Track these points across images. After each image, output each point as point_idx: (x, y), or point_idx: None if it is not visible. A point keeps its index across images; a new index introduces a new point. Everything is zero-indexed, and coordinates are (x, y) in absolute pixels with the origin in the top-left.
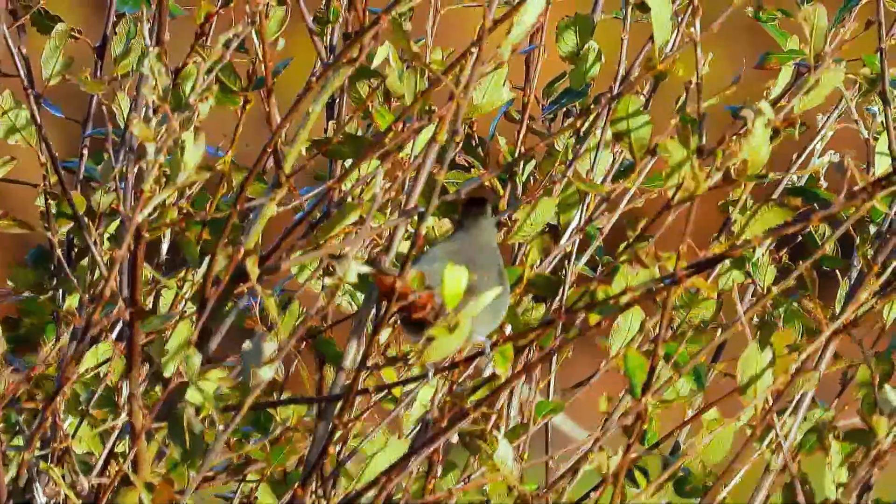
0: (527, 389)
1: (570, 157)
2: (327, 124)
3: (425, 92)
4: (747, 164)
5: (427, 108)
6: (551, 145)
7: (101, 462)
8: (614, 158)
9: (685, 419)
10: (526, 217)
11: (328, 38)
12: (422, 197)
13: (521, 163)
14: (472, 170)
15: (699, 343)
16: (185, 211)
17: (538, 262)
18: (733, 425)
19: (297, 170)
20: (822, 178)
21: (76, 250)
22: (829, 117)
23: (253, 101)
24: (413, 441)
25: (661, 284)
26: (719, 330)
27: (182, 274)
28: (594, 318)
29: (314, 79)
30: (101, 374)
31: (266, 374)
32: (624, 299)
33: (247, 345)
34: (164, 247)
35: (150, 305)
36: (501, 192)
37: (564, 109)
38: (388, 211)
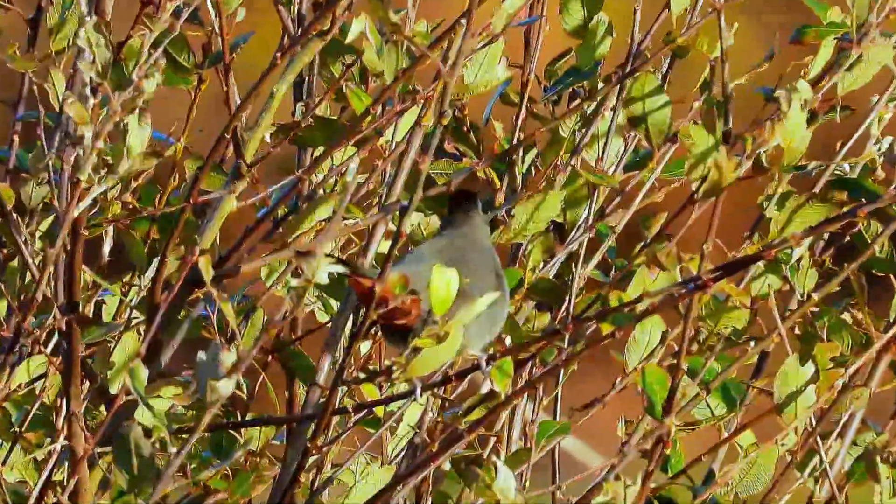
0: (530, 409)
1: (577, 144)
2: (295, 107)
3: (408, 70)
4: (782, 152)
5: (410, 88)
6: (555, 131)
7: (36, 492)
8: (626, 145)
9: (717, 443)
10: (528, 214)
11: (295, 7)
12: (405, 190)
13: (521, 151)
14: (464, 159)
15: (729, 357)
16: (130, 205)
17: (541, 264)
18: (774, 450)
19: (259, 158)
20: (878, 168)
21: (5, 251)
22: (880, 98)
23: (209, 81)
24: (398, 468)
25: (684, 290)
26: (752, 342)
27: (128, 278)
28: (606, 329)
29: (279, 55)
30: (36, 392)
31: (225, 388)
32: (641, 307)
33: (202, 356)
34: (107, 247)
35: (91, 313)
36: (498, 184)
37: (570, 91)
38: (367, 205)
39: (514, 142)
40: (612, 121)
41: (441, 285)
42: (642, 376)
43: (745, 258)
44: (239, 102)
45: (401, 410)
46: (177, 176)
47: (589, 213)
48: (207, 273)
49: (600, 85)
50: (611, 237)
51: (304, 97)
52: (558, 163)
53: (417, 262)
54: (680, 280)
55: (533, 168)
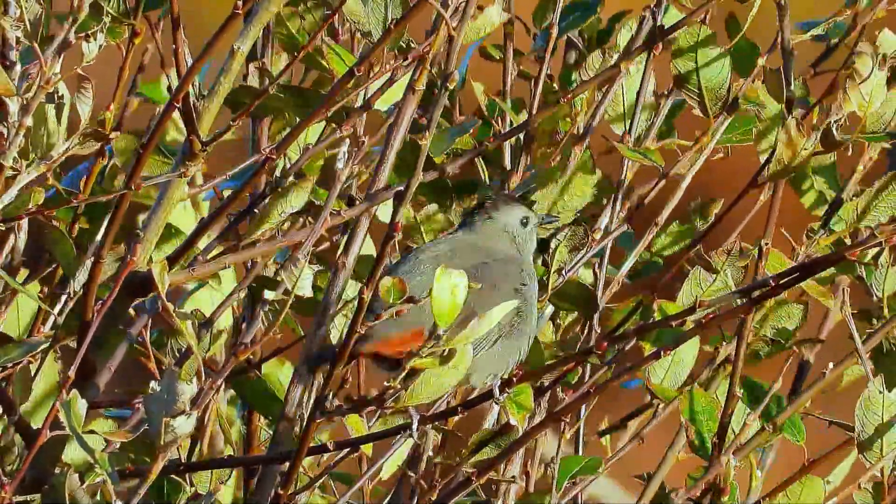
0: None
1: (587, 105)
2: (247, 68)
3: (400, 21)
4: (859, 121)
5: (402, 43)
6: (551, 90)
7: None
8: (659, 108)
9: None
10: (551, 200)
11: None
12: (394, 172)
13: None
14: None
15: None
16: (47, 189)
17: (567, 264)
18: (818, 483)
19: (217, 134)
20: None
21: None
22: None
23: (143, 34)
24: None
25: (746, 299)
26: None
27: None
28: (649, 348)
29: (240, 2)
30: None
31: (184, 427)
32: (692, 320)
33: (154, 386)
34: (21, 241)
35: (3, 327)
36: (483, 167)
37: (566, 38)
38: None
39: (528, 112)
40: (644, 77)
41: (445, 293)
42: (688, 403)
43: (823, 259)
44: (190, 63)
45: (394, 448)
46: (106, 156)
47: (616, 198)
48: (162, 282)
49: (622, 36)
50: (652, 230)
51: (260, 55)
52: (558, 132)
53: (410, 273)
54: (737, 287)
55: (522, 138)
